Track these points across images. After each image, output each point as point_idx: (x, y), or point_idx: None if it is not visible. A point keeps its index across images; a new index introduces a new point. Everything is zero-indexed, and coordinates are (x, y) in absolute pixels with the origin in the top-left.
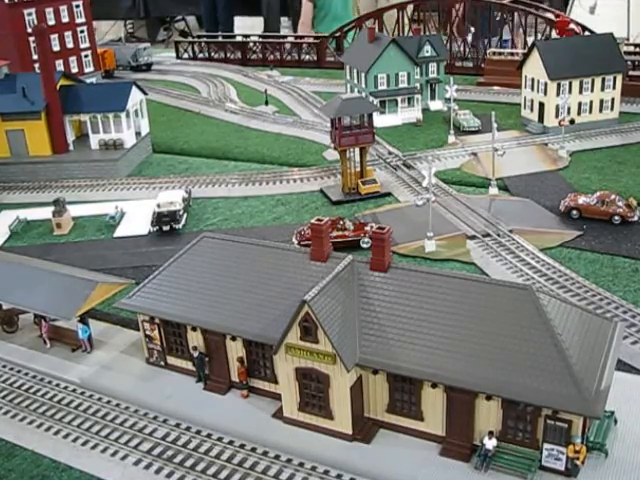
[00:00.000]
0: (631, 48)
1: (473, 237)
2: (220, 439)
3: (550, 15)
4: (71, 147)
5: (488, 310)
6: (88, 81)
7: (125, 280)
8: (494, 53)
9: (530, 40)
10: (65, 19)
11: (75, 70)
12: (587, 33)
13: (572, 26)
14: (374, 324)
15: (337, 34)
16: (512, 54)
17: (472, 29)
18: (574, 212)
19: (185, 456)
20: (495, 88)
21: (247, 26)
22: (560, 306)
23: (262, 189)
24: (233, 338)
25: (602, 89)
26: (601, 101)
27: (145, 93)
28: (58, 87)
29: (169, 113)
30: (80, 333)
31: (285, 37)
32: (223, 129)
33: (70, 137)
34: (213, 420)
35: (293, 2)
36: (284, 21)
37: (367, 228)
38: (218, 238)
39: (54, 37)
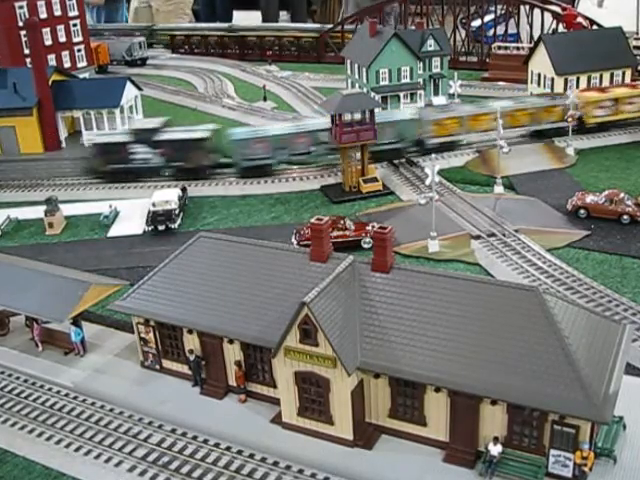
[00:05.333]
0: None
1: (478, 237)
2: (217, 445)
3: (557, 8)
4: (63, 144)
5: (493, 312)
6: (81, 76)
7: (119, 281)
8: (499, 47)
9: (536, 34)
10: (57, 12)
11: (68, 65)
12: (595, 27)
13: (580, 20)
14: (376, 326)
15: (337, 28)
16: (518, 48)
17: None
18: (582, 211)
19: (181, 462)
20: (500, 84)
21: (246, 20)
22: (567, 308)
23: (260, 187)
24: (230, 341)
25: (611, 84)
26: None
27: (140, 89)
28: (50, 82)
29: (165, 109)
30: (73, 336)
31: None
32: (220, 125)
33: (62, 134)
34: (210, 425)
35: None
36: (282, 15)
37: (368, 228)
38: (215, 238)
39: (46, 31)
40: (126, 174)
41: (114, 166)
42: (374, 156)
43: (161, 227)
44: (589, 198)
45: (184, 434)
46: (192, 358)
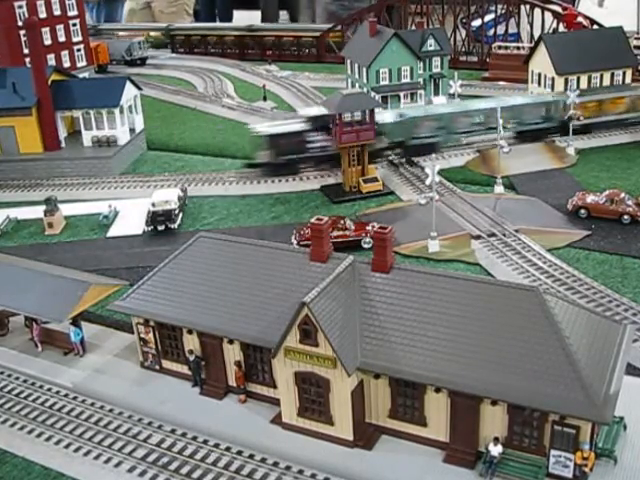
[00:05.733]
0: None
1: (478, 237)
2: (217, 445)
3: (557, 8)
4: (63, 144)
5: (493, 312)
6: (81, 76)
7: (119, 281)
8: (500, 47)
9: (537, 34)
10: (57, 12)
11: (67, 64)
12: (595, 27)
13: (580, 19)
14: (376, 327)
15: (337, 28)
16: (518, 48)
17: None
18: (582, 211)
19: (181, 463)
20: (500, 83)
21: (246, 20)
22: (568, 308)
23: (260, 187)
24: (230, 341)
25: (611, 84)
26: None
27: (139, 88)
28: (49, 82)
29: (164, 109)
30: (72, 336)
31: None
32: (220, 125)
33: (62, 134)
34: (210, 426)
35: None
36: (282, 14)
37: (368, 228)
38: (215, 238)
39: (45, 30)
40: (297, 165)
41: (288, 157)
42: (520, 135)
43: (161, 227)
44: (590, 198)
45: (184, 434)
46: (192, 358)
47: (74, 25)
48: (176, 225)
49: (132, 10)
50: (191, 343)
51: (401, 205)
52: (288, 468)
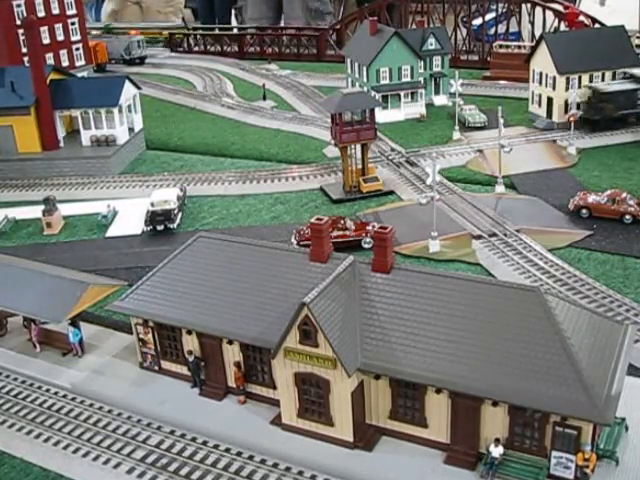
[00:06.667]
0: None
1: (479, 237)
2: (216, 446)
3: (559, 7)
4: (61, 144)
5: (494, 313)
6: (79, 75)
7: (118, 282)
8: (501, 46)
9: (538, 33)
10: (55, 11)
11: (66, 64)
12: (597, 25)
13: (582, 18)
14: (376, 327)
15: (338, 26)
16: (519, 47)
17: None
18: (584, 211)
19: (180, 464)
20: (502, 82)
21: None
22: (569, 309)
23: (260, 187)
24: (230, 342)
25: None
26: None
27: (138, 87)
28: (48, 81)
29: (163, 108)
30: (71, 337)
31: (284, 29)
32: (219, 125)
33: (60, 133)
34: (209, 427)
35: None
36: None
37: (369, 228)
38: (214, 238)
39: (44, 29)
40: (625, 119)
41: (623, 112)
42: None
43: (160, 227)
44: (591, 198)
45: (183, 435)
46: (191, 359)
47: (73, 24)
48: (175, 225)
49: (113, 11)
50: (190, 344)
51: (401, 205)
52: (288, 469)
